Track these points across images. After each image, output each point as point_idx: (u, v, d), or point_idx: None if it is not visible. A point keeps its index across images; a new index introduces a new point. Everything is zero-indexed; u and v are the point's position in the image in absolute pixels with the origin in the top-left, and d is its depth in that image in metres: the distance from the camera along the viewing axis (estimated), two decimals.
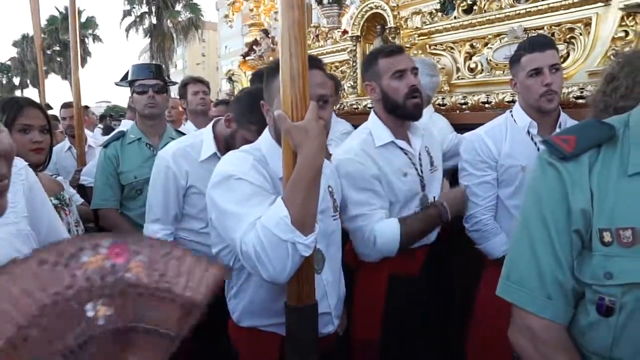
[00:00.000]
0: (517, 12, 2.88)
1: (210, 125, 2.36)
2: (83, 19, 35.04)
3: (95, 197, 2.75)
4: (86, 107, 5.95)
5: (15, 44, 39.96)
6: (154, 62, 22.60)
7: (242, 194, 1.43)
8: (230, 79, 5.18)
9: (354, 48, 3.82)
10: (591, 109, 1.67)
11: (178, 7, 24.36)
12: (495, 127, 2.31)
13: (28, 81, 37.82)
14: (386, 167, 2.10)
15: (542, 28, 2.79)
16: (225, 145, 2.24)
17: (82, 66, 35.76)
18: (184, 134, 3.01)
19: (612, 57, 2.45)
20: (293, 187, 1.35)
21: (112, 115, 9.49)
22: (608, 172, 0.99)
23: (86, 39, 35.17)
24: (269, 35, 4.97)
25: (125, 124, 4.16)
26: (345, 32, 4.44)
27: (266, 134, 1.65)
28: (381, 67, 2.13)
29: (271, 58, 4.86)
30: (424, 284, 2.30)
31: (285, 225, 1.31)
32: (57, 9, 33.34)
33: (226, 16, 5.37)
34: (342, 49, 4.10)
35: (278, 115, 1.41)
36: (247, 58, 5.11)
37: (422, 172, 2.20)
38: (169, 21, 23.65)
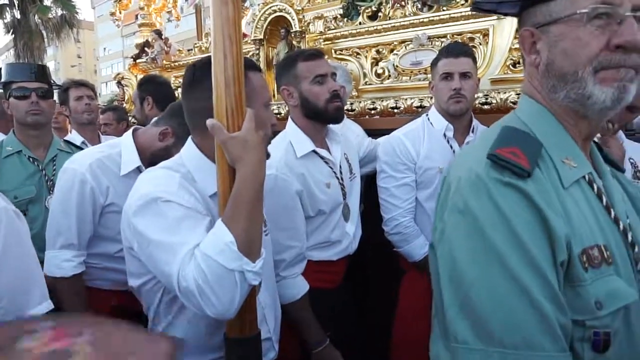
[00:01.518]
0: (421, 20, 2.98)
1: (128, 134, 2.08)
2: None
3: None
4: None
5: None
6: (20, 61, 20.41)
7: (172, 219, 1.23)
8: (119, 83, 4.78)
9: (257, 52, 3.71)
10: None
11: (47, 2, 22.19)
12: (414, 130, 2.35)
13: None
14: (309, 179, 2.02)
15: (445, 37, 2.90)
16: (150, 160, 1.98)
17: None
18: (74, 145, 2.68)
19: (511, 66, 2.62)
20: (235, 207, 1.19)
21: None
22: (554, 187, 0.90)
23: None
24: (162, 37, 4.67)
25: None
26: (244, 35, 4.32)
27: (190, 146, 1.44)
28: (300, 71, 2.05)
29: (165, 61, 4.57)
30: (343, 294, 2.27)
31: (231, 252, 1.14)
32: None
33: (112, 13, 4.94)
34: (243, 52, 3.95)
35: (211, 126, 1.23)
36: (137, 60, 4.76)
37: (342, 180, 2.15)
38: (36, 17, 21.41)
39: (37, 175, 2.40)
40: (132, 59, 4.87)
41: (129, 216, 1.30)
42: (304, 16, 3.43)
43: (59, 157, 2.46)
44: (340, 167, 2.15)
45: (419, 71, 3.00)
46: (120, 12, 4.94)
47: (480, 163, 0.91)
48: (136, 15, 5.30)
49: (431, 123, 2.33)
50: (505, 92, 2.57)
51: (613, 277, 0.87)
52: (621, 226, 0.94)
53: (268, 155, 1.44)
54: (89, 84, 3.52)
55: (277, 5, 3.50)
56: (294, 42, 3.48)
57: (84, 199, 1.93)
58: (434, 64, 2.31)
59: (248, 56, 3.67)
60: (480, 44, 2.79)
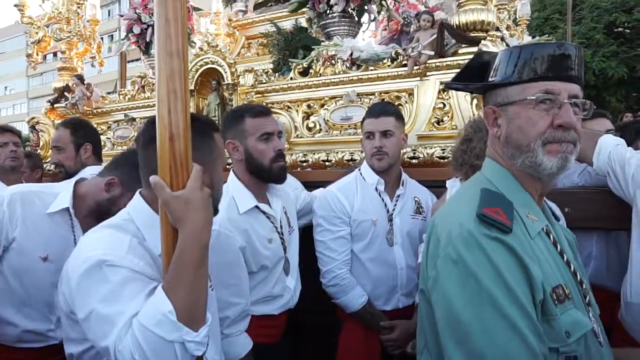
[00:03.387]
0: (350, 78, 3.14)
1: (71, 182, 2.00)
2: None
3: None
4: None
5: None
6: None
7: (115, 284, 1.15)
8: (33, 128, 4.52)
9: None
10: (452, 164, 1.97)
11: None
12: (347, 185, 2.43)
13: None
14: (252, 234, 2.02)
15: (373, 94, 3.08)
16: (96, 209, 1.92)
17: None
18: None
19: (435, 124, 2.83)
20: (175, 272, 1.11)
21: None
22: (525, 238, 1.08)
23: None
24: (84, 82, 4.51)
25: None
26: None
27: (138, 201, 1.38)
28: (248, 127, 2.08)
29: (86, 107, 4.40)
30: (284, 348, 2.25)
31: (169, 322, 1.06)
32: None
33: (29, 55, 4.72)
34: None
35: (154, 183, 1.16)
36: (55, 105, 4.54)
37: (283, 234, 2.17)
38: None
39: None
40: (49, 103, 4.63)
41: (70, 279, 1.21)
42: (236, 69, 3.49)
43: None
44: (280, 221, 2.17)
45: (349, 126, 3.14)
46: (37, 54, 4.73)
47: (470, 220, 1.07)
48: (44, 55, 5.11)
49: (363, 177, 2.43)
50: (431, 147, 2.75)
51: (574, 309, 1.07)
52: (572, 268, 1.15)
53: (216, 213, 1.44)
54: (14, 129, 3.34)
55: (209, 58, 3.54)
56: (226, 94, 3.52)
57: None
58: (362, 122, 2.45)
59: None
60: (407, 102, 2.99)
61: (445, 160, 2.64)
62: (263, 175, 2.09)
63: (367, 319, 2.33)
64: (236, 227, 1.95)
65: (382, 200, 2.39)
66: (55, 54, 6.15)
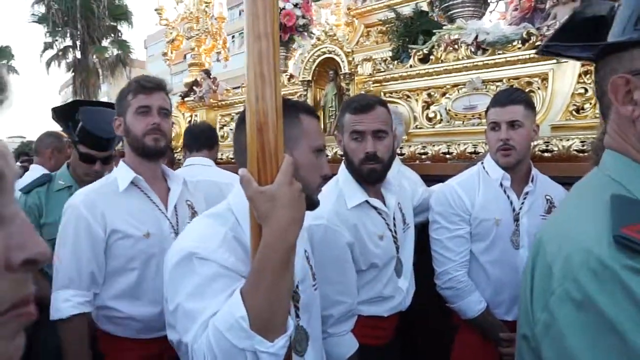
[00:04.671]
0: (475, 63, 2.89)
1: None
2: None
3: None
4: None
5: None
6: (77, 97, 21.49)
7: (203, 278, 1.10)
8: None
9: (305, 93, 3.70)
10: (592, 158, 1.61)
11: (105, 43, 23.56)
12: (468, 179, 2.22)
13: None
14: (362, 230, 1.91)
15: (501, 80, 2.80)
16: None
17: None
18: None
19: (574, 112, 2.48)
20: (255, 274, 1.03)
21: (27, 154, 8.40)
22: None
23: None
24: (211, 76, 4.76)
25: (36, 170, 3.49)
26: (292, 76, 4.34)
27: (238, 189, 1.26)
28: (345, 122, 1.96)
29: (212, 100, 4.63)
30: (393, 352, 2.12)
31: (241, 329, 0.98)
32: None
33: (165, 54, 5.10)
34: (290, 94, 3.96)
35: (241, 177, 1.08)
36: (186, 99, 4.85)
37: (396, 232, 2.03)
38: (95, 56, 22.72)
39: None
40: (180, 97, 4.97)
41: (165, 267, 1.20)
42: (353, 58, 3.40)
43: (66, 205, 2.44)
44: (393, 218, 2.03)
45: (473, 115, 2.89)
46: (171, 52, 5.08)
47: (601, 245, 0.74)
48: (185, 55, 5.46)
49: (487, 172, 2.20)
50: (567, 139, 2.42)
51: None
52: None
53: (315, 206, 1.35)
54: None
55: (326, 47, 3.49)
56: (343, 84, 3.45)
57: (78, 230, 1.83)
58: (486, 111, 2.21)
59: (295, 97, 3.73)
60: (539, 88, 2.67)
61: (585, 154, 2.30)
62: (355, 173, 1.97)
63: (484, 327, 2.11)
64: (344, 222, 1.86)
65: (508, 197, 2.14)
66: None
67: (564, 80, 2.58)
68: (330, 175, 1.43)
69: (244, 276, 1.12)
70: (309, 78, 3.64)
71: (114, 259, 1.86)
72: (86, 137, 2.36)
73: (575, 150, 2.39)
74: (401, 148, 3.00)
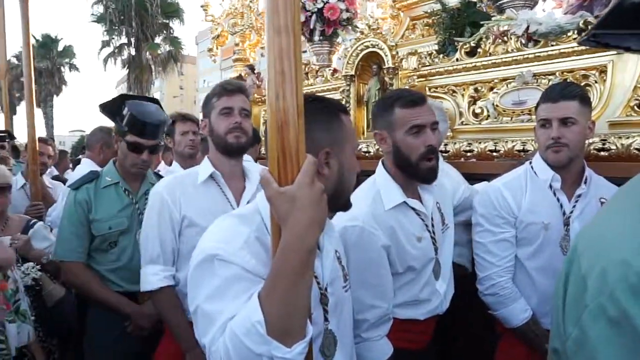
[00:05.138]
0: (525, 56, 2.73)
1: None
2: (60, 48, 34.69)
3: (58, 247, 2.37)
4: (44, 140, 5.53)
5: None
6: (131, 93, 22.28)
7: (223, 280, 1.08)
8: None
9: (348, 87, 3.63)
10: None
11: (158, 40, 24.33)
12: (515, 180, 2.09)
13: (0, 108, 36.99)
14: (399, 232, 1.83)
15: (554, 74, 2.63)
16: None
17: (57, 95, 35.30)
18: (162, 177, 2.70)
19: (636, 107, 2.29)
20: (273, 277, 1.00)
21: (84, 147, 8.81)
22: None
23: (62, 68, 34.72)
24: (255, 71, 4.77)
25: (87, 165, 3.66)
26: (335, 70, 4.28)
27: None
28: (397, 117, 1.86)
29: (256, 95, 4.64)
30: (430, 358, 2.04)
31: (257, 334, 0.96)
32: (33, 36, 32.92)
33: (210, 50, 5.15)
34: (333, 88, 3.90)
35: (261, 178, 1.05)
36: None
37: (434, 233, 1.94)
38: (148, 53, 23.50)
39: (130, 208, 2.42)
40: None
41: (189, 266, 1.18)
42: (397, 52, 3.30)
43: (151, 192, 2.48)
44: (432, 218, 1.94)
45: (522, 112, 2.74)
46: (217, 48, 5.13)
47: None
48: (234, 50, 5.50)
49: (535, 172, 2.06)
50: (627, 137, 2.24)
51: None
52: None
53: (349, 207, 1.33)
54: (194, 118, 3.52)
55: (369, 41, 3.41)
56: (386, 79, 3.36)
57: (162, 211, 2.01)
58: (536, 107, 2.07)
59: (339, 92, 3.68)
60: (596, 81, 2.49)
61: None
62: (410, 172, 1.88)
63: (529, 338, 1.99)
64: (381, 224, 1.79)
65: (558, 200, 2.00)
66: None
67: (625, 72, 2.38)
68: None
69: (265, 279, 1.08)
70: (352, 73, 3.57)
71: (183, 244, 2.02)
72: (134, 124, 2.40)
73: (636, 149, 2.21)
74: (445, 145, 2.89)
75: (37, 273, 2.31)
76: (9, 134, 4.98)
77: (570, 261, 0.78)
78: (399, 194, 1.87)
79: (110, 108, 2.56)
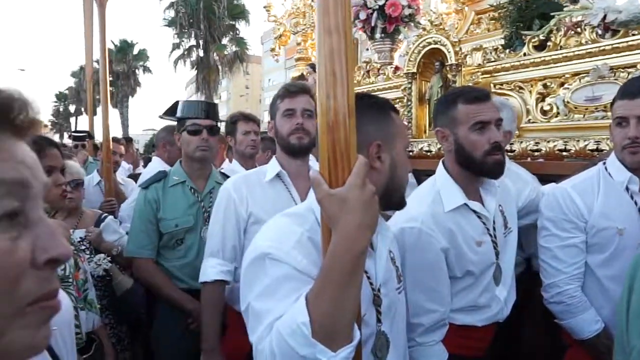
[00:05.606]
0: (602, 48, 2.55)
1: None
2: (135, 52, 36.64)
3: (130, 244, 2.49)
4: (129, 140, 5.85)
5: (73, 75, 42.32)
6: (199, 93, 23.17)
7: (273, 279, 1.08)
8: None
9: (409, 85, 3.56)
10: None
11: (225, 41, 25.11)
12: (585, 181, 1.97)
13: (83, 109, 39.56)
14: (458, 235, 1.76)
15: (634, 66, 2.44)
16: None
17: (132, 96, 37.31)
18: (228, 177, 2.76)
19: None
20: (321, 280, 0.99)
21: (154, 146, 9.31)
22: None
23: (137, 70, 36.65)
24: (316, 70, 4.78)
25: (157, 163, 3.88)
26: (397, 68, 4.20)
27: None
28: (460, 114, 1.80)
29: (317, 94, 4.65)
30: None
31: (302, 336, 0.95)
32: (112, 42, 34.98)
33: (272, 49, 5.23)
34: (395, 86, 3.84)
35: (312, 179, 1.04)
36: None
37: (495, 237, 1.85)
38: (215, 54, 24.33)
39: (196, 206, 2.49)
40: None
41: (243, 266, 1.21)
42: (460, 48, 3.19)
43: (215, 190, 2.51)
44: (494, 222, 1.86)
45: (596, 108, 2.57)
46: (279, 48, 5.19)
47: None
48: (297, 50, 5.56)
49: (609, 173, 1.92)
50: None
51: None
52: None
53: (401, 206, 1.33)
54: (256, 118, 3.61)
55: (432, 37, 3.32)
56: (449, 76, 3.26)
57: (228, 208, 2.08)
58: (612, 104, 1.93)
59: (401, 90, 3.61)
60: None
61: None
62: (474, 169, 1.81)
63: (600, 352, 1.85)
64: (439, 226, 1.73)
65: (636, 204, 1.86)
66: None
67: None
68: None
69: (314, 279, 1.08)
70: (414, 70, 3.50)
71: (248, 241, 2.04)
72: (188, 108, 2.56)
73: None
74: (511, 144, 2.76)
75: (108, 264, 2.43)
76: (89, 134, 5.32)
77: (634, 270, 0.72)
78: (459, 196, 1.81)
79: (168, 111, 2.72)
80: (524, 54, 2.95)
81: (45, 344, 0.50)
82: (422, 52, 3.42)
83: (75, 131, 5.53)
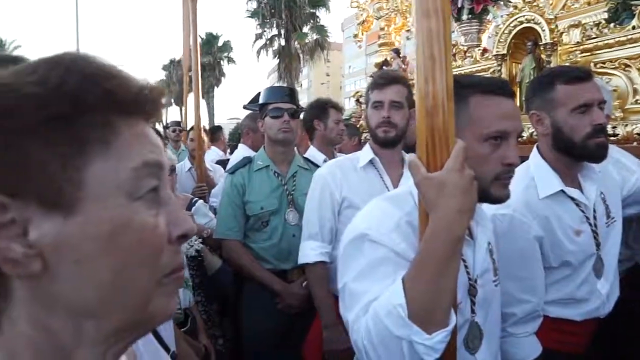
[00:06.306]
0: None
1: None
2: (220, 43, 38.06)
3: (218, 226, 2.62)
4: (219, 128, 6.12)
5: (164, 68, 44.86)
6: (281, 81, 23.69)
7: (371, 260, 1.11)
8: (357, 100, 4.99)
9: (499, 68, 3.40)
10: None
11: (305, 29, 25.41)
12: None
13: (172, 100, 41.85)
14: (554, 224, 1.66)
15: None
16: None
17: (217, 86, 38.91)
18: (311, 162, 2.81)
19: None
20: (418, 263, 1.00)
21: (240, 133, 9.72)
22: None
23: (222, 62, 38.08)
24: (400, 55, 4.70)
25: (243, 150, 4.04)
26: (485, 50, 4.03)
27: None
28: (559, 95, 1.68)
29: None
30: None
31: (398, 317, 0.96)
32: (200, 36, 36.55)
33: (355, 35, 5.20)
34: (482, 69, 3.68)
35: (409, 163, 1.05)
36: None
37: (596, 227, 1.73)
38: (296, 43, 24.72)
39: (280, 189, 2.57)
40: (370, 77, 5.03)
41: (340, 245, 1.25)
42: (556, 25, 2.99)
43: (299, 174, 2.62)
44: (594, 210, 1.74)
45: None
46: (362, 34, 5.16)
47: None
48: (379, 35, 5.50)
49: None
50: None
51: None
52: None
53: (502, 199, 1.23)
54: (342, 109, 3.73)
55: (524, 16, 3.14)
56: (543, 56, 3.08)
57: (323, 192, 2.19)
58: None
59: (489, 73, 3.46)
60: None
61: None
62: (574, 153, 1.69)
63: None
64: (533, 213, 1.64)
65: None
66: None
67: None
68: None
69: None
70: (504, 51, 3.34)
71: (341, 224, 2.14)
72: (270, 93, 2.68)
73: None
74: (614, 128, 2.56)
75: (199, 245, 2.57)
76: (178, 124, 5.68)
77: None
78: (556, 182, 1.70)
79: (252, 101, 2.90)
80: (633, 27, 2.70)
81: (174, 311, 0.56)
82: (513, 32, 3.25)
83: (173, 122, 6.00)
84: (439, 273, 0.97)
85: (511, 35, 3.25)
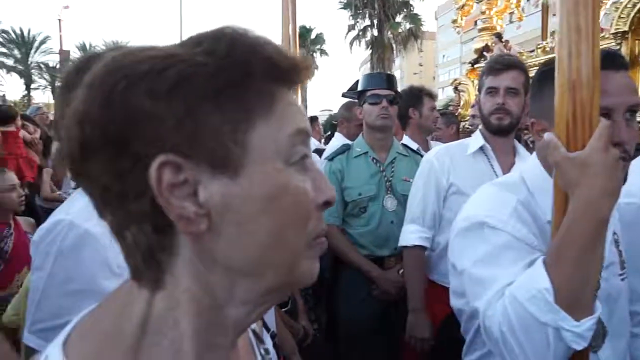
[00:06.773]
0: None
1: None
2: (313, 36, 38.67)
3: None
4: (315, 118, 6.22)
5: None
6: (373, 72, 23.61)
7: (494, 247, 1.08)
8: (456, 89, 4.82)
9: (618, 47, 3.10)
10: None
11: (398, 19, 25.06)
12: None
13: None
14: None
15: None
16: None
17: (310, 79, 39.47)
18: (410, 148, 2.78)
19: None
20: (560, 246, 0.94)
21: (334, 124, 9.87)
22: None
23: (314, 54, 38.71)
24: (502, 40, 4.47)
25: (339, 138, 4.03)
26: (601, 29, 3.70)
27: (534, 161, 1.24)
28: None
29: None
30: None
31: (544, 302, 0.91)
32: None
33: (454, 21, 5.01)
34: None
35: (548, 141, 0.99)
36: (475, 65, 4.69)
37: None
38: (389, 32, 24.47)
39: (378, 175, 2.57)
40: (469, 64, 4.84)
41: (452, 231, 1.22)
42: None
43: (397, 160, 2.61)
44: None
45: None
46: (461, 19, 4.97)
47: None
48: (475, 21, 5.27)
49: None
50: None
51: None
52: None
53: (624, 180, 1.13)
54: (435, 96, 3.70)
55: None
56: None
57: (429, 177, 2.19)
58: None
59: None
60: None
61: None
62: None
63: None
64: None
65: None
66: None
67: None
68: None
69: (536, 248, 1.07)
70: (625, 28, 3.04)
71: (447, 210, 2.17)
72: (369, 80, 2.69)
73: None
74: None
75: None
76: None
77: None
78: None
79: (350, 89, 2.82)
80: None
81: (317, 274, 0.57)
82: (638, 6, 2.94)
83: None
84: (583, 256, 0.92)
85: (635, 10, 2.95)
